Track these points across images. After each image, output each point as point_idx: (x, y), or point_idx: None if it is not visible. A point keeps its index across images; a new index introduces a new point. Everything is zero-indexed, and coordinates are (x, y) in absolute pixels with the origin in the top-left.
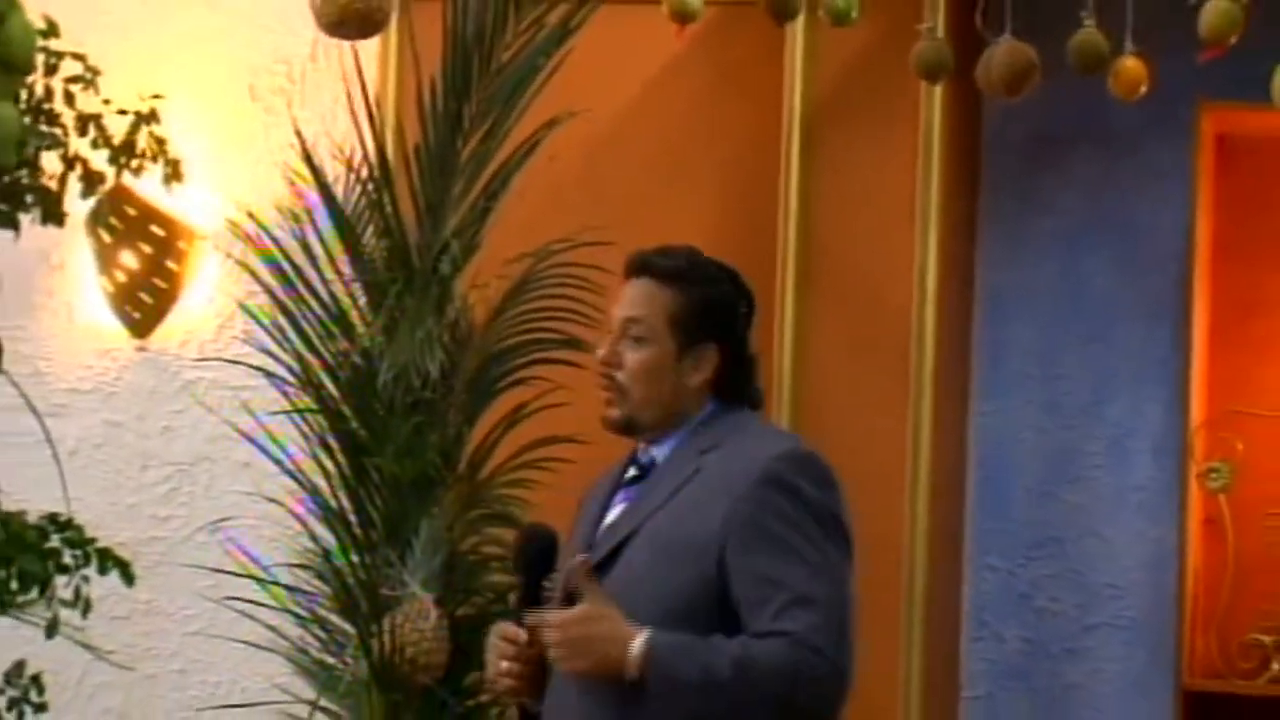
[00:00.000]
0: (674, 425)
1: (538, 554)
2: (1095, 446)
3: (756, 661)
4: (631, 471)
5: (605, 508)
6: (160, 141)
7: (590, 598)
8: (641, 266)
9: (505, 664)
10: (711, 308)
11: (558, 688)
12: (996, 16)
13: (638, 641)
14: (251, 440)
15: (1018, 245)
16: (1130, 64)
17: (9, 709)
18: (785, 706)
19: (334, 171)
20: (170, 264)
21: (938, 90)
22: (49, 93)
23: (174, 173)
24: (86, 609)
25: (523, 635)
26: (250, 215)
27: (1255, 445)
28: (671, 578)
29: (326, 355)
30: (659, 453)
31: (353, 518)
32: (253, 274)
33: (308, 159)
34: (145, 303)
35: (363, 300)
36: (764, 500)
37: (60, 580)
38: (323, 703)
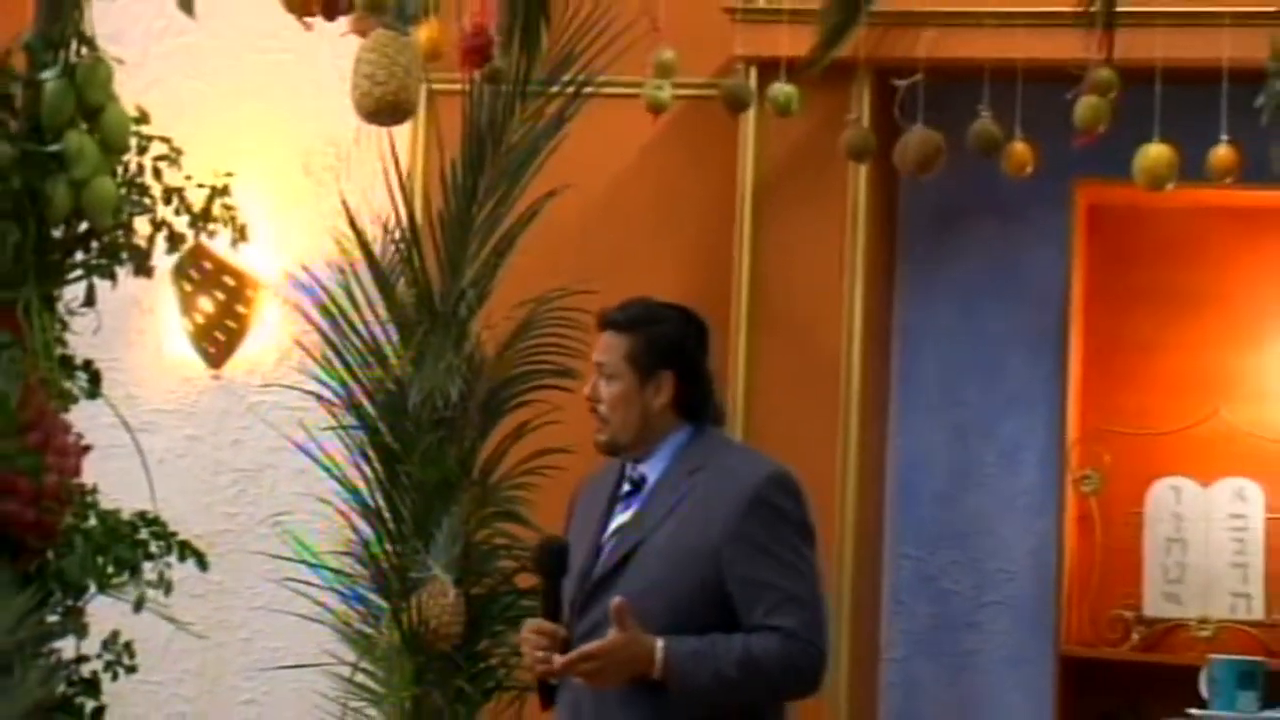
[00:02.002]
0: (653, 443)
1: (554, 561)
2: (990, 458)
3: (757, 658)
4: (626, 487)
5: (606, 516)
6: (230, 209)
7: (620, 629)
8: (605, 321)
9: (541, 653)
10: (658, 344)
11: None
12: (910, 109)
13: (658, 656)
14: (305, 451)
15: (927, 293)
16: (1019, 147)
17: (105, 669)
18: (783, 691)
19: (373, 233)
20: (239, 308)
21: (863, 169)
22: (140, 169)
23: (241, 234)
24: (168, 589)
25: (561, 631)
26: (304, 268)
27: (1120, 457)
28: (681, 582)
29: (366, 382)
30: (646, 470)
31: (386, 514)
32: (306, 316)
33: (351, 223)
34: (219, 339)
35: (395, 337)
36: (754, 517)
37: (147, 565)
38: (362, 664)
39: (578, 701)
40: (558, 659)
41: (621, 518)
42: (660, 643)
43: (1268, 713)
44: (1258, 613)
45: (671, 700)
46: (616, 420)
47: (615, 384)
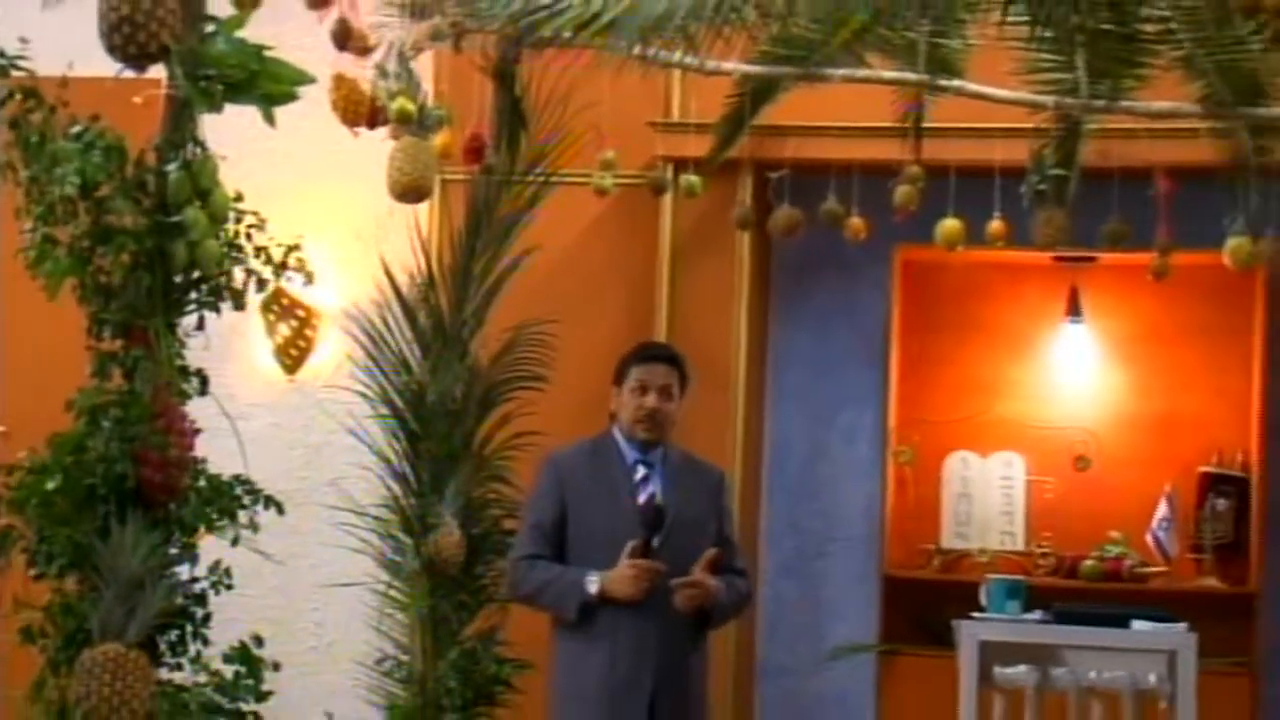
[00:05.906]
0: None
1: (655, 521)
2: (836, 438)
3: (742, 592)
4: (643, 471)
5: (632, 490)
6: (302, 262)
7: (702, 575)
8: (670, 358)
9: (636, 574)
10: (685, 379)
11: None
12: (779, 193)
13: (719, 596)
14: (354, 433)
15: (793, 324)
16: (856, 221)
17: (211, 587)
18: (742, 611)
19: (402, 279)
20: (308, 332)
21: (747, 235)
22: (237, 234)
23: (310, 279)
24: (256, 529)
25: (661, 568)
26: (354, 305)
27: (925, 438)
28: (705, 539)
29: (397, 384)
30: (654, 459)
31: (411, 477)
32: (355, 338)
33: (387, 272)
34: (294, 354)
35: (418, 353)
36: (721, 496)
37: (241, 514)
38: (393, 584)
39: (644, 633)
40: (711, 582)
41: (650, 494)
42: (714, 582)
43: (1026, 615)
44: (1020, 545)
45: (710, 622)
46: (670, 426)
47: (673, 402)
